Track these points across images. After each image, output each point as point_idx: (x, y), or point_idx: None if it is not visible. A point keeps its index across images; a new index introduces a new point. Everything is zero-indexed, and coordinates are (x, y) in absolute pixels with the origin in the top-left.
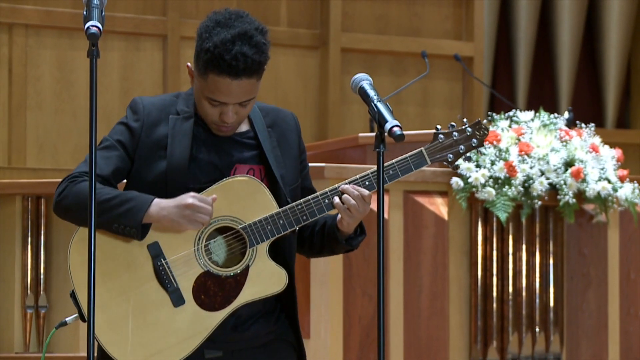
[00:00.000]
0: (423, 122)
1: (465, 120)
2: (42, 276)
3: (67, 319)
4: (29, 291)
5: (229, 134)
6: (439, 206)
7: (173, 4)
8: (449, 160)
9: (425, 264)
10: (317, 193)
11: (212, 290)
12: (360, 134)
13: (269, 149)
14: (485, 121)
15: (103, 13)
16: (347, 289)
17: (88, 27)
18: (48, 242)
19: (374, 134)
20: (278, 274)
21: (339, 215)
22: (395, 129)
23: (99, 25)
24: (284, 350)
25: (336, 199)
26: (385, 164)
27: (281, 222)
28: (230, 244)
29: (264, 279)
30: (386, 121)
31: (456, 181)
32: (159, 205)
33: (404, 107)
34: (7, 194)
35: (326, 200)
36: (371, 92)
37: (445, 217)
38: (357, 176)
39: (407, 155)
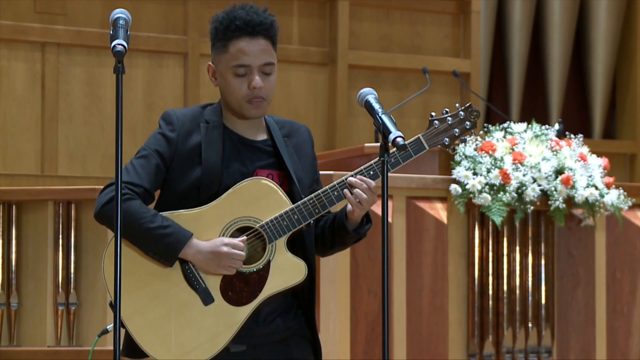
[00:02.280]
0: None
1: (457, 105)
2: (72, 275)
3: (108, 327)
4: (60, 289)
5: (261, 112)
6: (439, 211)
7: (193, 23)
8: (446, 143)
9: (426, 264)
10: (326, 187)
11: (238, 287)
12: (366, 144)
13: (286, 155)
14: (481, 132)
15: (128, 32)
16: (354, 287)
17: (114, 46)
18: (78, 244)
19: (378, 144)
20: (298, 266)
21: (349, 207)
22: (399, 139)
23: (125, 43)
24: (300, 345)
25: (346, 191)
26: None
27: (295, 217)
28: (251, 242)
29: (285, 271)
30: (390, 132)
31: (455, 188)
32: (196, 248)
33: (406, 119)
34: (40, 200)
35: (335, 193)
36: (376, 105)
37: (445, 221)
38: (362, 167)
39: (406, 142)
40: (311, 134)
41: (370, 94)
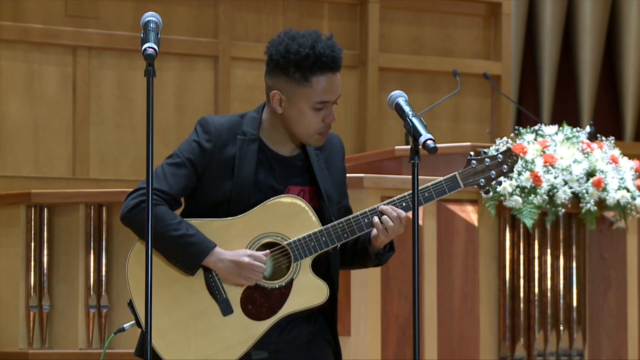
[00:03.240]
0: (455, 136)
1: (497, 148)
2: (103, 278)
3: (124, 326)
4: (91, 292)
5: (324, 140)
6: (470, 213)
7: (224, 27)
8: (481, 184)
9: (457, 267)
10: (358, 213)
11: (258, 301)
12: (397, 147)
13: (318, 171)
14: (512, 134)
15: (159, 35)
16: (385, 290)
17: (145, 49)
18: (109, 247)
19: (409, 146)
20: (320, 288)
21: (374, 231)
22: (429, 142)
23: (155, 47)
24: (322, 348)
25: (375, 219)
26: (421, 187)
27: (323, 239)
28: (276, 258)
29: (307, 291)
30: (420, 135)
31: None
32: (218, 256)
33: (436, 122)
34: (71, 203)
35: (365, 220)
36: (406, 108)
37: (476, 223)
38: (395, 198)
39: (441, 179)
40: (343, 144)
41: (400, 97)
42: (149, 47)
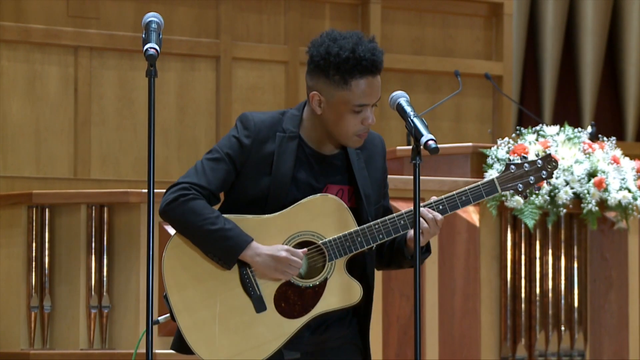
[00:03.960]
0: (456, 136)
1: (537, 154)
2: (105, 279)
3: (159, 318)
4: (93, 292)
5: (362, 142)
6: (471, 214)
7: (225, 27)
8: (519, 190)
9: (458, 268)
10: (394, 214)
11: (292, 299)
12: (398, 147)
13: (357, 170)
14: (513, 135)
15: (160, 36)
16: (386, 290)
17: (147, 49)
18: (110, 247)
19: (410, 147)
20: (354, 288)
21: (410, 233)
22: (431, 142)
23: (157, 47)
24: (352, 353)
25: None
26: (458, 191)
27: (359, 239)
28: (311, 257)
29: (341, 291)
30: (422, 135)
31: None
32: (255, 250)
33: (438, 122)
34: (73, 203)
35: (402, 222)
36: (408, 108)
37: (477, 224)
38: (432, 200)
39: (479, 182)
40: (384, 144)
41: (402, 97)
42: (151, 48)
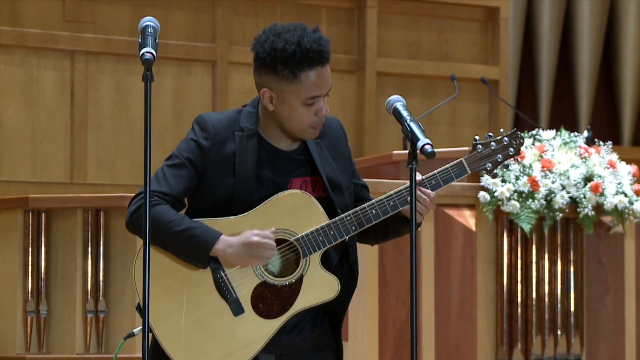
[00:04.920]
0: (452, 140)
1: (502, 130)
2: (101, 283)
3: (134, 330)
4: (89, 297)
5: (318, 133)
6: (467, 218)
7: (221, 31)
8: (488, 168)
9: (454, 272)
10: (365, 204)
11: (269, 299)
12: (394, 152)
13: (319, 161)
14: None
15: (157, 40)
16: (383, 294)
17: (143, 54)
18: (106, 251)
19: (407, 151)
20: (330, 282)
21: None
22: (427, 146)
23: (153, 51)
24: (325, 352)
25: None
26: (428, 175)
27: (332, 232)
28: (284, 254)
29: (318, 287)
30: (418, 139)
31: (483, 195)
32: (226, 242)
33: (434, 127)
34: (69, 207)
35: (373, 211)
36: (404, 113)
37: (473, 228)
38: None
39: (447, 165)
40: (342, 125)
41: (398, 101)
42: (147, 52)
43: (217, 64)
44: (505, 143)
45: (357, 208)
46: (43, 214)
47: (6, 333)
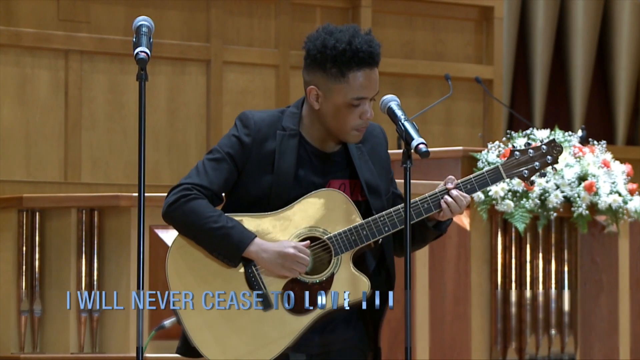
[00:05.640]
0: (447, 140)
1: (541, 139)
2: (95, 282)
3: (165, 322)
4: None
5: (361, 137)
6: (462, 217)
7: (216, 31)
8: (525, 175)
9: (449, 271)
10: (399, 205)
11: (299, 296)
12: (389, 151)
13: (359, 165)
14: (504, 138)
15: (151, 40)
16: None
17: (137, 53)
18: (101, 251)
19: (401, 150)
20: (361, 282)
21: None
22: (421, 146)
23: (148, 51)
24: (356, 357)
25: (447, 199)
26: (463, 179)
27: (364, 232)
28: (316, 252)
29: (348, 286)
30: (413, 139)
31: (477, 194)
32: (260, 246)
33: (429, 126)
34: (63, 207)
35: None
36: (399, 112)
37: (468, 227)
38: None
39: (484, 170)
40: (385, 133)
41: (392, 101)
42: (141, 51)
43: (211, 64)
44: (543, 151)
45: (391, 209)
46: (37, 214)
47: (0, 333)
